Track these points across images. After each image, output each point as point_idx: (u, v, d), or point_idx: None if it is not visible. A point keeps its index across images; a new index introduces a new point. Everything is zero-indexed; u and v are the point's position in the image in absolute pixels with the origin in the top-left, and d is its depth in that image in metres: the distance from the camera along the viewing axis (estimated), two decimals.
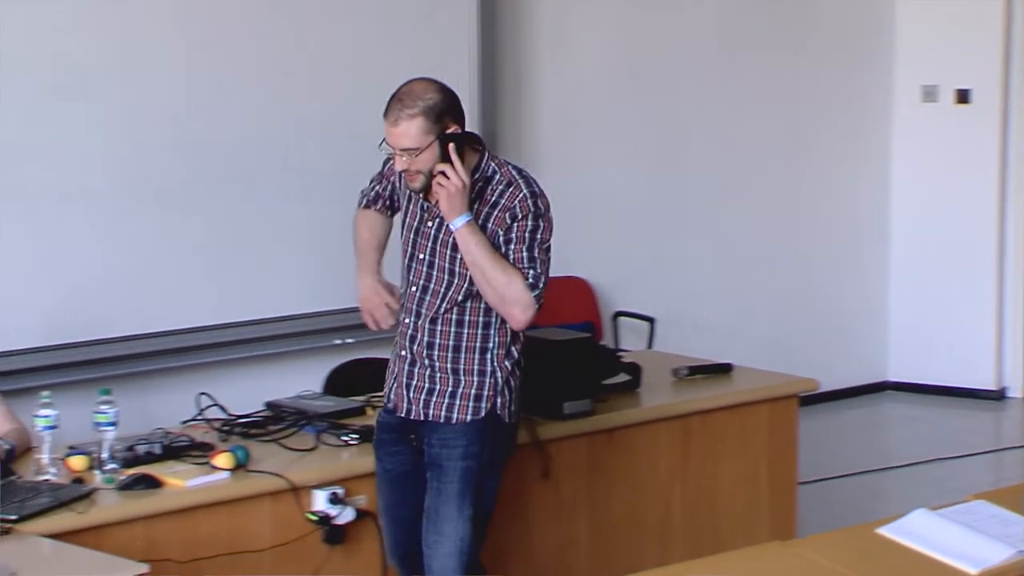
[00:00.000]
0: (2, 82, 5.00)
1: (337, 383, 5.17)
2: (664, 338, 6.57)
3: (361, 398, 4.75)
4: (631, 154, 6.79)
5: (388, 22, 5.86)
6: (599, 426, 4.66)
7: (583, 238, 6.66)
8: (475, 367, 3.90)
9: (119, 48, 5.22)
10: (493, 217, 3.83)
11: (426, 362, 3.91)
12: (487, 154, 3.90)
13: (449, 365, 3.89)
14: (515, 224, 3.82)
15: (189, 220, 5.41)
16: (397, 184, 4.04)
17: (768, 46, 7.13)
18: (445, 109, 3.77)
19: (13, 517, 3.65)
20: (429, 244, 3.90)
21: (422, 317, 3.90)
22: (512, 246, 3.82)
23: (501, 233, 3.82)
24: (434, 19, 5.97)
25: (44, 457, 4.00)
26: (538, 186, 3.91)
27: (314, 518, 4.09)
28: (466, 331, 3.90)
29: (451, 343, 3.89)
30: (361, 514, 4.17)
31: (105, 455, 4.04)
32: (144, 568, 3.44)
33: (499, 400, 3.92)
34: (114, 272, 5.25)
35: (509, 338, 3.94)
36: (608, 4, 6.66)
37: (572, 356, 4.64)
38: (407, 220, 3.97)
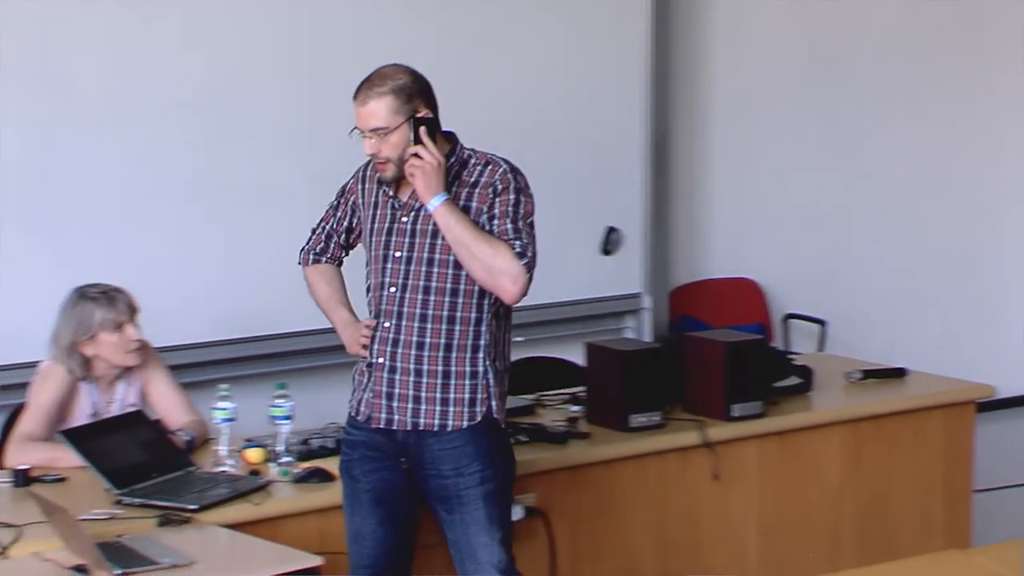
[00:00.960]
0: (188, 87, 5.13)
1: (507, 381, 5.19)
2: (835, 341, 6.48)
3: (530, 397, 4.78)
4: (805, 153, 6.70)
5: (559, 19, 5.86)
6: (769, 429, 4.62)
7: (754, 239, 6.60)
8: (467, 368, 3.69)
9: (262, 59, 5.28)
10: (476, 195, 3.67)
11: (411, 366, 3.68)
12: (459, 142, 3.78)
13: (440, 367, 3.68)
14: (497, 199, 3.66)
15: None
16: (359, 195, 3.85)
17: (955, 44, 6.97)
18: (416, 91, 3.66)
19: (193, 507, 3.75)
20: (406, 240, 3.71)
21: (405, 316, 3.69)
22: (496, 221, 3.65)
23: (485, 209, 3.67)
24: (606, 15, 5.96)
25: (222, 449, 4.09)
26: (516, 164, 3.76)
27: None
28: (458, 328, 3.68)
29: (442, 341, 3.67)
30: (530, 512, 4.20)
31: (280, 448, 4.11)
32: (318, 560, 3.50)
33: (494, 404, 3.71)
34: (290, 268, 5.33)
35: (500, 337, 3.77)
36: (789, 7, 6.57)
37: (742, 358, 4.60)
38: (376, 225, 3.77)
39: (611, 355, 4.56)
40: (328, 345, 5.34)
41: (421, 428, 3.69)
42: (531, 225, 3.70)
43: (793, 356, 5.24)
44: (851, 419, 4.77)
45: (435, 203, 3.63)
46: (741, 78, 6.51)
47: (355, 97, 3.69)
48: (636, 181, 6.08)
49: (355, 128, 3.69)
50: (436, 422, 3.68)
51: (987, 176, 7.19)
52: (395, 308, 3.70)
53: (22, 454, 4.10)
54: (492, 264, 3.62)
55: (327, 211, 3.97)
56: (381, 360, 3.72)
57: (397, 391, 3.70)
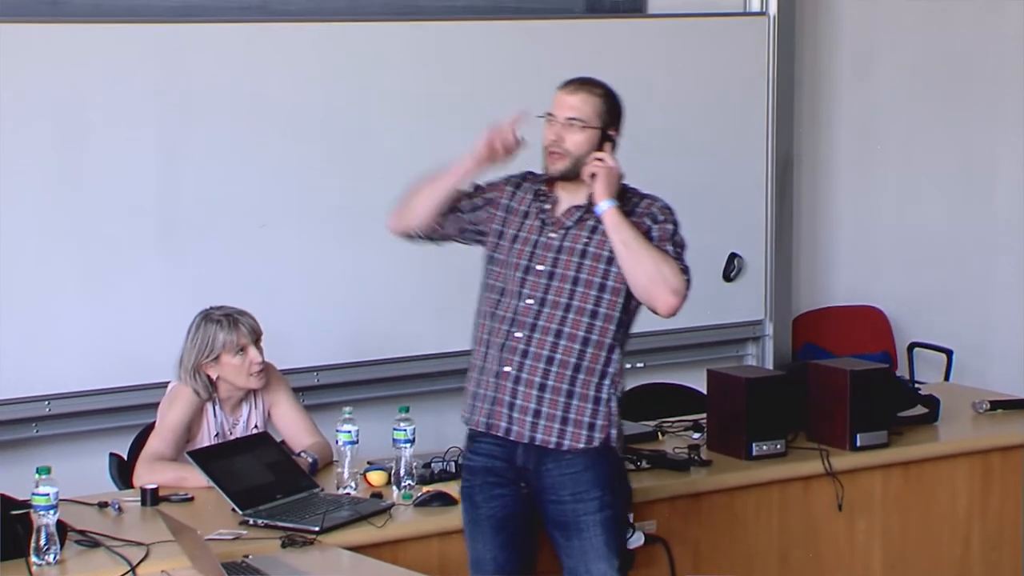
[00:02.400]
0: (318, 111, 5.20)
1: (627, 407, 5.16)
2: (962, 370, 6.38)
3: (652, 423, 4.76)
4: (932, 177, 6.61)
5: (683, 42, 5.85)
6: (895, 459, 4.56)
7: (880, 266, 6.52)
8: (591, 392, 3.70)
9: (387, 82, 5.33)
10: (632, 223, 3.73)
11: (536, 379, 3.69)
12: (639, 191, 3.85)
13: (565, 385, 3.69)
14: (656, 226, 3.74)
15: None
16: (507, 197, 3.82)
17: None
18: (618, 112, 3.78)
19: (316, 529, 3.78)
20: (551, 255, 3.73)
21: (539, 330, 3.69)
22: (656, 243, 3.72)
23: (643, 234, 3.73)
24: (730, 35, 5.94)
25: (344, 471, 4.12)
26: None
27: None
28: (590, 350, 3.70)
29: (572, 360, 3.69)
30: (651, 539, 4.17)
31: (402, 471, 4.13)
32: None
33: (613, 432, 3.72)
34: (413, 292, 5.38)
35: (622, 366, 3.78)
36: (914, 23, 6.50)
37: (867, 386, 4.55)
38: (521, 234, 3.77)
39: (733, 382, 4.53)
40: (450, 369, 5.39)
41: (538, 443, 3.69)
42: (684, 256, 3.78)
43: (919, 385, 5.17)
44: (978, 450, 4.69)
45: (606, 205, 3.69)
46: (867, 98, 6.44)
47: (564, 85, 3.77)
48: (759, 206, 6.05)
49: (548, 114, 3.73)
50: (553, 439, 3.69)
51: None
52: (530, 320, 3.72)
53: (151, 473, 4.16)
54: (658, 272, 3.67)
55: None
56: (508, 369, 3.73)
57: (519, 402, 3.72)
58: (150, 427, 4.41)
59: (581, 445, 3.69)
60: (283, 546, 3.71)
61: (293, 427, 4.42)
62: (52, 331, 4.87)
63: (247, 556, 3.60)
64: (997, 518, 4.70)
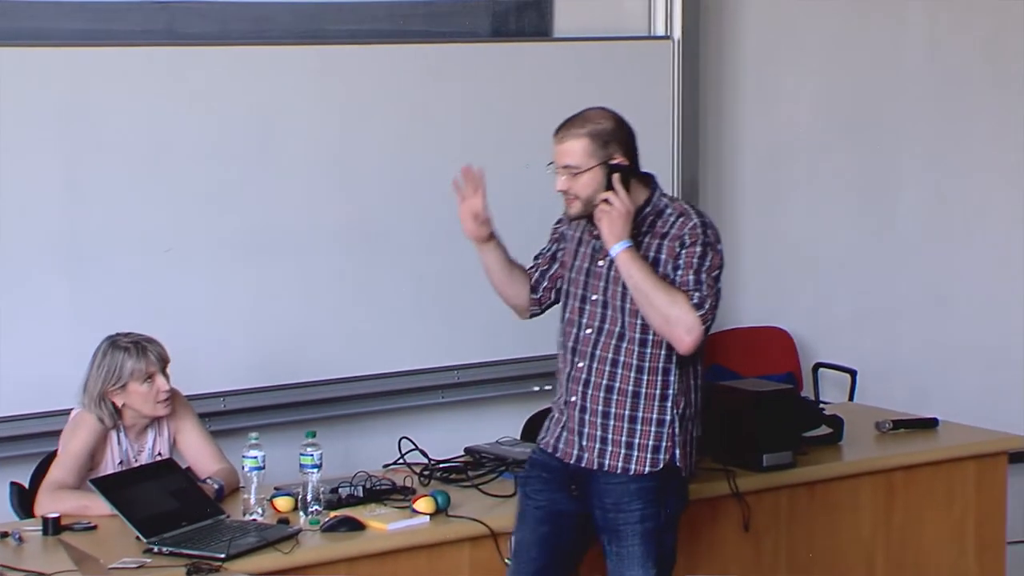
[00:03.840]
0: (220, 138, 5.16)
1: (535, 429, 5.17)
2: (866, 391, 6.45)
3: None
4: (834, 202, 6.70)
5: (586, 72, 5.88)
6: (800, 479, 4.60)
7: (784, 288, 6.59)
8: (653, 415, 3.81)
9: (294, 110, 5.32)
10: (664, 247, 3.79)
11: (599, 408, 3.82)
12: (659, 190, 3.89)
13: (627, 412, 3.80)
14: (683, 251, 3.76)
15: (393, 265, 5.50)
16: (567, 225, 3.97)
17: (986, 87, 6.96)
18: (613, 137, 3.77)
19: (222, 556, 3.75)
20: (602, 284, 3.84)
21: (597, 359, 3.82)
22: (680, 272, 3.76)
23: (671, 261, 3.77)
24: (634, 66, 5.98)
25: (251, 497, 4.10)
26: (709, 218, 3.87)
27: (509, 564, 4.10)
28: (646, 377, 3.80)
29: (630, 388, 3.80)
30: None
31: (309, 497, 4.11)
32: None
33: (678, 452, 3.83)
34: (320, 317, 5.36)
35: (689, 386, 3.87)
36: (817, 49, 6.59)
37: (773, 407, 4.59)
38: (576, 263, 3.91)
39: None
40: (357, 393, 5.39)
41: (606, 469, 3.79)
42: (716, 279, 3.78)
43: (824, 406, 5.22)
44: (882, 469, 4.75)
45: (617, 249, 3.73)
46: (770, 126, 6.52)
47: (555, 134, 3.82)
48: None
49: (551, 163, 3.81)
50: (620, 464, 3.79)
51: (1019, 222, 7.16)
52: (589, 350, 3.82)
53: (53, 502, 4.11)
54: (668, 313, 3.71)
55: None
56: (574, 399, 3.85)
57: (587, 430, 3.82)
58: (52, 455, 4.35)
59: (647, 469, 3.78)
60: (188, 574, 3.68)
61: (199, 453, 4.39)
62: None
63: None
64: (900, 536, 4.75)
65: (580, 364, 3.84)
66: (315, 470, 4.13)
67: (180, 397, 4.41)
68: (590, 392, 3.83)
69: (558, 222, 4.05)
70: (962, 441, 4.95)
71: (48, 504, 4.11)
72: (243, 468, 4.14)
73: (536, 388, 5.78)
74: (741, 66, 6.42)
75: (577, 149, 3.75)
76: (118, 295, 4.98)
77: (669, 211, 3.82)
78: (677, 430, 3.82)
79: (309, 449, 4.14)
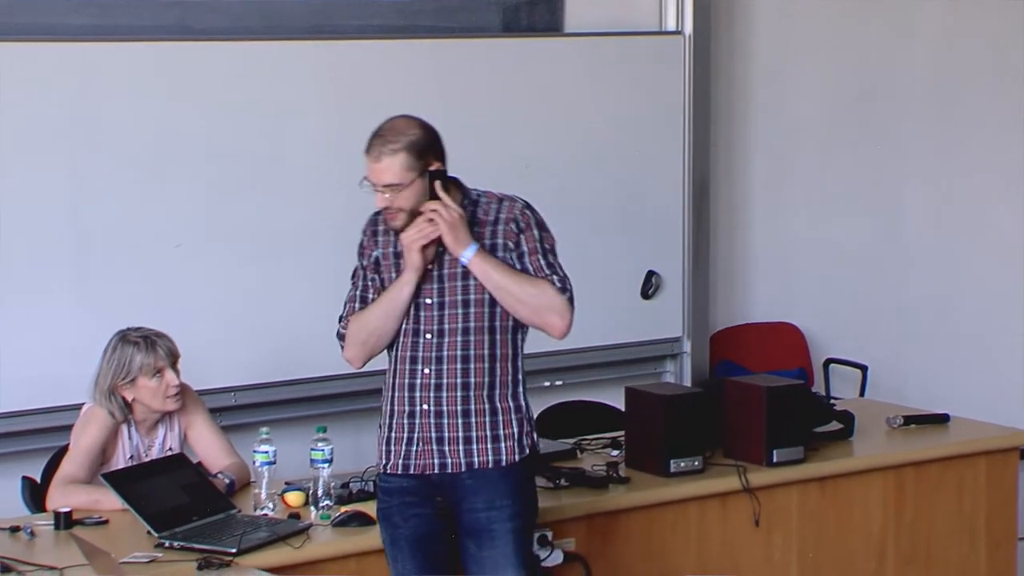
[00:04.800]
0: (225, 134, 5.17)
1: (546, 425, 5.18)
2: (877, 386, 6.45)
3: (571, 441, 4.77)
4: (845, 197, 6.69)
5: (601, 65, 5.88)
6: (810, 474, 4.60)
7: (795, 284, 6.58)
8: (511, 403, 3.73)
9: (299, 104, 5.32)
10: (500, 232, 3.71)
11: (458, 408, 3.70)
12: (465, 187, 3.77)
13: (487, 405, 3.70)
14: (522, 236, 3.71)
15: None
16: (377, 246, 3.81)
17: (994, 85, 6.94)
18: (427, 145, 3.68)
19: (233, 550, 3.75)
20: (435, 285, 3.71)
21: (446, 360, 3.69)
22: (528, 258, 3.70)
23: (512, 246, 3.71)
24: (647, 60, 5.98)
25: (262, 492, 4.10)
26: (528, 200, 3.80)
27: None
28: (499, 365, 3.72)
29: (486, 380, 3.70)
30: (569, 557, 4.18)
31: (320, 492, 4.12)
32: None
33: (535, 436, 3.79)
34: (330, 312, 5.34)
35: (524, 374, 3.80)
36: (826, 46, 6.58)
37: (783, 403, 4.59)
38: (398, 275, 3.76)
39: (651, 399, 4.56)
40: (368, 388, 5.36)
41: (476, 467, 3.70)
42: (557, 256, 3.76)
43: (834, 401, 5.22)
44: (893, 465, 4.74)
45: (468, 254, 3.66)
46: (781, 123, 6.51)
47: (367, 152, 3.69)
48: (676, 225, 6.08)
49: (365, 179, 3.69)
50: (490, 459, 3.71)
51: None
52: (433, 354, 3.71)
53: (64, 497, 4.12)
54: (538, 303, 3.68)
55: (353, 278, 3.88)
56: (425, 407, 3.72)
57: (447, 435, 3.71)
58: (63, 450, 4.36)
59: (517, 457, 3.72)
60: (199, 568, 3.68)
61: (210, 448, 4.39)
62: None
63: None
64: (911, 533, 4.75)
65: (426, 371, 3.70)
66: (326, 465, 4.13)
67: (191, 392, 4.41)
68: (444, 395, 3.69)
69: (361, 248, 3.85)
70: (973, 437, 4.95)
71: (59, 498, 4.12)
72: (254, 463, 4.14)
73: (547, 383, 5.78)
74: (752, 62, 6.42)
75: (396, 166, 3.64)
76: (127, 291, 4.98)
77: (484, 199, 3.75)
78: (530, 415, 3.78)
79: (320, 444, 4.15)
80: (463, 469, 3.71)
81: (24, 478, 4.53)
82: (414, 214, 3.67)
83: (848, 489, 4.66)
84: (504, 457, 3.71)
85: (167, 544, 3.82)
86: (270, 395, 5.23)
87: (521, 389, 3.77)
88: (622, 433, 4.68)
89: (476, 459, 3.71)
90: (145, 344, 4.27)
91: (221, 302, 5.17)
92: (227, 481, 4.25)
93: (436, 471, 3.72)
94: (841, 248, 6.71)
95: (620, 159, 5.92)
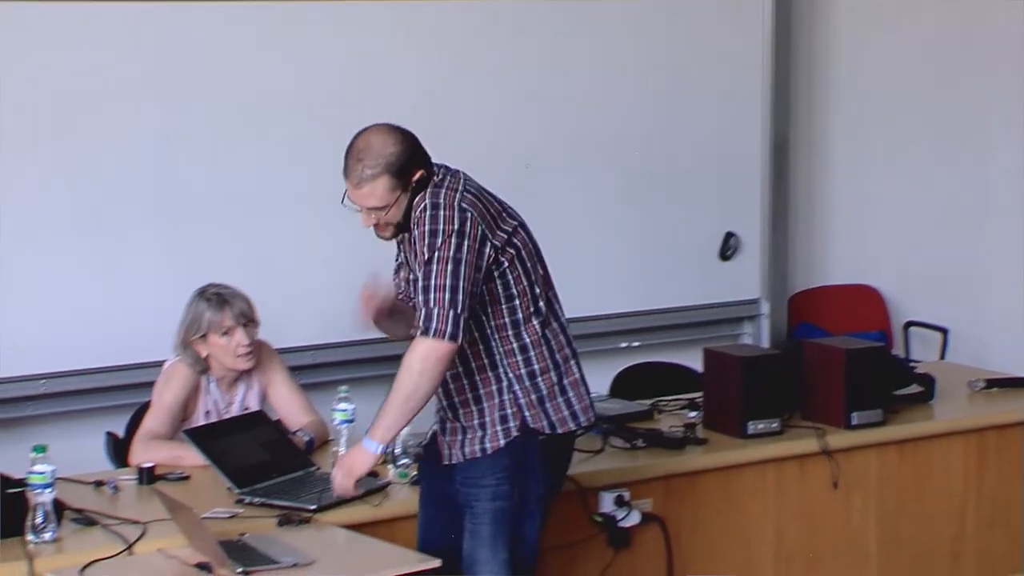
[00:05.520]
0: (311, 90, 5.18)
1: (623, 386, 5.19)
2: (957, 350, 6.39)
3: (648, 402, 4.77)
4: (927, 156, 6.61)
5: (679, 24, 5.84)
6: (890, 437, 4.57)
7: (875, 245, 6.52)
8: (492, 387, 3.58)
9: (386, 60, 5.34)
10: (415, 242, 3.53)
11: (445, 403, 3.64)
12: (431, 184, 3.54)
13: (470, 394, 3.60)
14: (415, 248, 3.52)
15: None
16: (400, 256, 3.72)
17: None
18: (408, 160, 3.49)
19: (312, 507, 3.78)
20: (409, 287, 3.64)
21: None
22: (419, 282, 3.48)
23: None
24: (726, 17, 5.93)
25: (341, 450, 4.11)
26: (447, 196, 3.49)
27: (600, 520, 4.12)
28: (469, 349, 3.54)
29: (461, 369, 3.58)
30: (647, 518, 4.18)
31: (398, 450, 4.13)
32: (436, 562, 3.51)
33: (527, 414, 3.58)
34: None
35: (521, 343, 3.59)
36: (910, 10, 6.49)
37: (863, 365, 4.56)
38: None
39: (729, 361, 4.54)
40: None
41: (467, 458, 3.62)
42: (447, 261, 3.44)
43: (914, 364, 5.17)
44: (974, 429, 4.70)
45: (376, 448, 3.55)
46: (863, 79, 6.44)
47: (345, 175, 3.54)
48: (755, 186, 6.05)
49: (345, 196, 3.56)
50: (477, 447, 3.62)
51: None
52: None
53: (147, 452, 4.17)
54: (417, 383, 3.47)
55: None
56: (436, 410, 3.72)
57: (447, 426, 3.68)
58: (146, 406, 4.41)
59: (501, 442, 3.59)
60: (279, 524, 3.71)
61: (289, 406, 4.43)
62: (49, 310, 4.86)
63: (243, 534, 3.60)
64: (992, 496, 4.71)
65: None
66: (347, 425, 4.12)
67: (270, 350, 4.44)
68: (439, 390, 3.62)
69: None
70: None
71: (142, 454, 4.17)
72: (333, 421, 4.16)
73: (623, 344, 5.77)
74: (835, 15, 6.34)
75: (379, 190, 3.50)
76: (209, 248, 5.03)
77: (418, 199, 3.52)
78: (519, 391, 3.58)
79: (342, 404, 4.14)
80: (462, 460, 3.65)
81: (108, 434, 4.59)
82: (402, 226, 3.56)
83: (928, 452, 4.62)
84: (488, 444, 3.59)
85: (247, 500, 3.85)
86: (349, 354, 5.25)
87: (501, 369, 3.58)
88: (699, 395, 4.67)
89: (466, 450, 3.63)
90: (217, 301, 4.30)
91: (301, 260, 5.20)
92: (306, 439, 4.28)
93: (447, 462, 3.70)
94: (922, 209, 6.63)
95: (700, 117, 5.89)
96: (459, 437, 3.65)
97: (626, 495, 4.12)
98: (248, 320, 4.32)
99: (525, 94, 5.57)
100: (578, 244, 5.74)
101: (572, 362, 3.69)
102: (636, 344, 5.80)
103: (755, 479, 4.41)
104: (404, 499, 3.93)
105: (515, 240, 3.60)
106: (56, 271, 4.87)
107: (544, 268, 3.71)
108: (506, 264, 3.57)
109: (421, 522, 3.81)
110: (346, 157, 3.58)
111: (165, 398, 4.30)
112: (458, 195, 3.51)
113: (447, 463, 3.67)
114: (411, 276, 3.64)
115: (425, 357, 3.46)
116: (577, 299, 5.70)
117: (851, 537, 4.53)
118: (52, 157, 4.86)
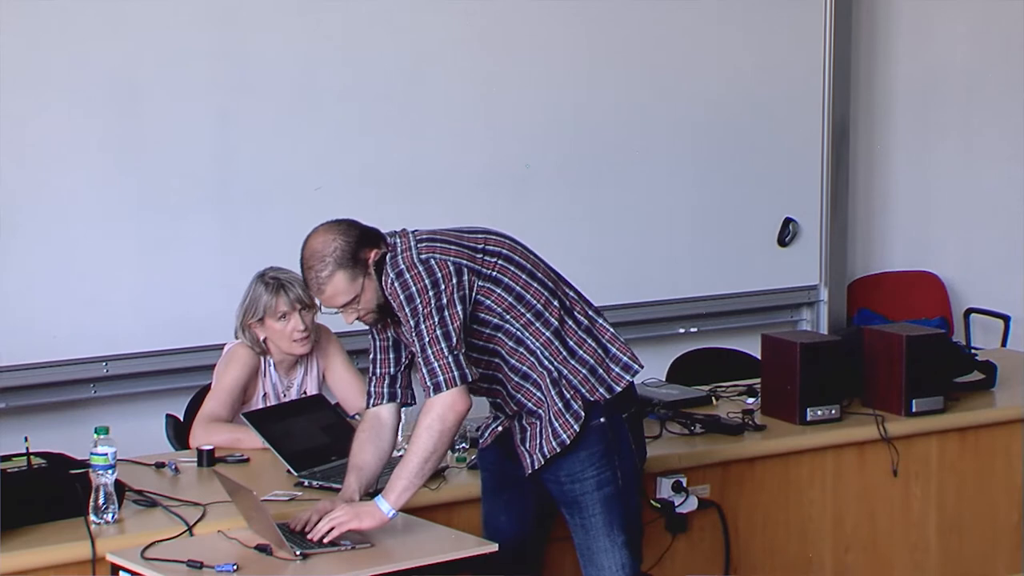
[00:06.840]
0: (368, 76, 5.19)
1: (681, 371, 5.18)
2: (1019, 337, 6.33)
3: (705, 387, 4.76)
4: (988, 142, 6.55)
5: (739, 10, 5.81)
6: (950, 425, 4.54)
7: (935, 231, 6.48)
8: (546, 380, 3.58)
9: (438, 51, 5.34)
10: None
11: (512, 418, 3.66)
12: (388, 254, 3.53)
13: (526, 401, 3.61)
14: (401, 315, 3.50)
15: (541, 204, 5.50)
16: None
17: None
18: (355, 247, 3.50)
19: (370, 491, 3.79)
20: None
21: (483, 379, 3.59)
22: (415, 344, 3.48)
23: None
24: (786, 4, 5.90)
25: (399, 434, 4.13)
26: (408, 260, 3.50)
27: (657, 505, 4.11)
28: (510, 358, 3.58)
29: (513, 380, 3.61)
30: (704, 503, 4.18)
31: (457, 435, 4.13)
32: (493, 546, 3.52)
33: (584, 388, 3.59)
34: None
35: (552, 329, 3.59)
36: None
37: (923, 352, 4.53)
38: None
39: (788, 347, 4.52)
40: None
41: (547, 458, 3.62)
42: (431, 315, 3.46)
43: (975, 351, 5.13)
44: None
45: (388, 511, 3.51)
46: (924, 65, 6.39)
47: (308, 288, 3.58)
48: (815, 172, 6.02)
49: (320, 305, 3.57)
50: (555, 443, 3.61)
51: None
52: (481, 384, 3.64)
53: (207, 434, 4.19)
54: (437, 443, 3.49)
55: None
56: (500, 415, 3.73)
57: (519, 438, 3.67)
58: (206, 389, 4.44)
59: (575, 427, 3.58)
60: None
61: (347, 390, 4.44)
62: (110, 293, 4.91)
63: None
64: None
65: (483, 386, 3.63)
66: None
67: (329, 335, 4.46)
68: (501, 402, 3.66)
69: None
70: None
71: (202, 436, 4.19)
72: None
73: (681, 330, 5.76)
74: (896, 6, 6.30)
75: (340, 286, 3.50)
76: (268, 232, 5.05)
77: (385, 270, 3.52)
78: (569, 373, 3.59)
79: None
80: (542, 463, 3.65)
81: (168, 416, 4.63)
82: (383, 310, 3.56)
83: (990, 440, 4.59)
84: (564, 435, 3.59)
85: (306, 483, 3.87)
86: None
87: (546, 361, 3.58)
88: (758, 381, 4.65)
89: (546, 451, 3.62)
90: (275, 286, 4.32)
91: None
92: None
93: (530, 471, 3.69)
94: (983, 196, 6.58)
95: (760, 103, 5.87)
96: (537, 442, 3.64)
97: (684, 481, 4.11)
98: (305, 305, 4.33)
99: (585, 82, 5.57)
100: (638, 230, 5.74)
101: (598, 320, 3.70)
102: (694, 330, 5.78)
103: (813, 466, 4.39)
104: (462, 483, 3.94)
105: (490, 248, 3.61)
106: (119, 255, 4.92)
107: (528, 249, 3.71)
108: (497, 272, 3.59)
109: (486, 513, 3.82)
110: (302, 272, 3.59)
111: (225, 381, 4.33)
112: (413, 252, 3.53)
113: (531, 471, 3.65)
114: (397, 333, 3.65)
115: (443, 416, 3.48)
116: (635, 285, 5.75)
117: (910, 525, 4.51)
118: (110, 143, 4.90)
